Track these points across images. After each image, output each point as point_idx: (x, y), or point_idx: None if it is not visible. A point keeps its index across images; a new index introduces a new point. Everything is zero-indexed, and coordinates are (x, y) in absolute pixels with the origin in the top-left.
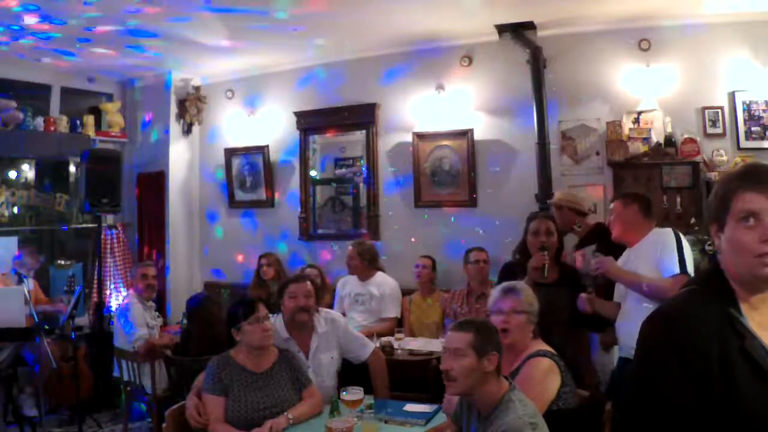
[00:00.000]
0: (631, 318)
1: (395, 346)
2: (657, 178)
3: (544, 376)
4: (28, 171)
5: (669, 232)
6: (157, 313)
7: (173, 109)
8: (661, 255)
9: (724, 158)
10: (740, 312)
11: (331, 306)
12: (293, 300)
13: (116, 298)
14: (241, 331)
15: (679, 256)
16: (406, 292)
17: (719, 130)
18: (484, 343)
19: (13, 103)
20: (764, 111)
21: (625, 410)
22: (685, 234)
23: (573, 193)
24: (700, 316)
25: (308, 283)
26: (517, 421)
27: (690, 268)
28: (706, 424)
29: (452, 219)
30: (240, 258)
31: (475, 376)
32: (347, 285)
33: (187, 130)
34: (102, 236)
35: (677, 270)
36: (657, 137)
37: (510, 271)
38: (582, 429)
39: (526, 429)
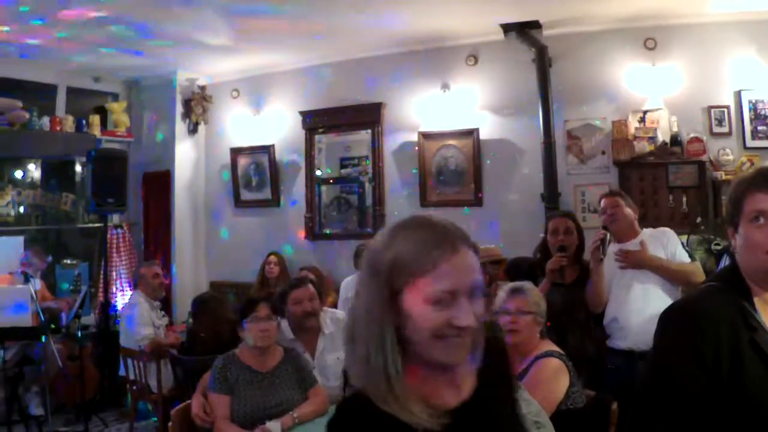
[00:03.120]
0: (641, 310)
1: None
2: (663, 177)
3: (553, 377)
4: (34, 171)
5: (669, 230)
6: (162, 313)
7: (179, 109)
8: (674, 249)
9: (730, 157)
10: (754, 307)
11: (335, 307)
12: (299, 305)
13: (122, 297)
14: (243, 330)
15: (684, 249)
16: None
17: (725, 129)
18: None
19: (19, 103)
20: None
21: (640, 396)
22: (690, 233)
23: (483, 247)
24: (713, 310)
25: (309, 285)
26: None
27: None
28: (716, 410)
29: (458, 218)
30: (246, 257)
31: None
32: (353, 286)
33: (193, 130)
34: (108, 235)
35: (689, 260)
36: (663, 136)
37: (530, 271)
38: (589, 429)
39: (531, 428)
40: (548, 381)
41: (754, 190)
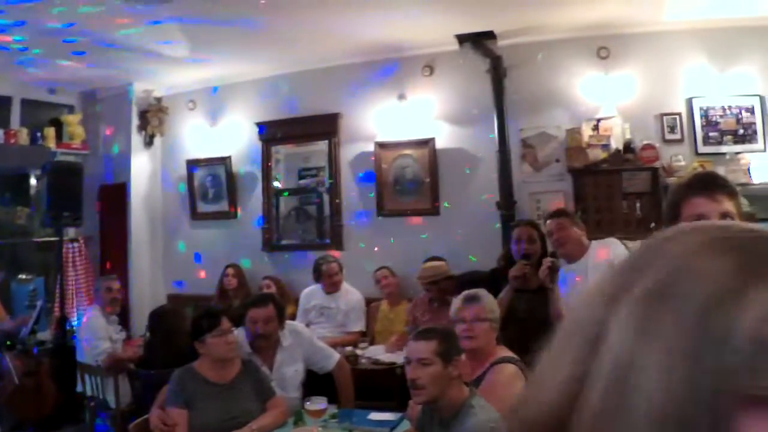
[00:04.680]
0: None
1: (359, 354)
2: (617, 184)
3: (510, 382)
4: None
5: (617, 241)
6: (120, 327)
7: (135, 121)
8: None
9: (683, 163)
10: None
11: (294, 318)
12: (253, 325)
13: (79, 312)
14: (204, 344)
15: None
16: (368, 302)
17: (677, 136)
18: (449, 349)
19: None
20: (721, 117)
21: None
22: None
23: (431, 264)
24: None
25: (271, 306)
26: (478, 425)
27: None
28: None
29: (415, 228)
30: (203, 270)
31: (443, 382)
32: (312, 297)
33: (149, 142)
34: (64, 250)
35: None
36: (616, 144)
37: (493, 279)
38: None
39: None
40: (504, 386)
41: (692, 195)
